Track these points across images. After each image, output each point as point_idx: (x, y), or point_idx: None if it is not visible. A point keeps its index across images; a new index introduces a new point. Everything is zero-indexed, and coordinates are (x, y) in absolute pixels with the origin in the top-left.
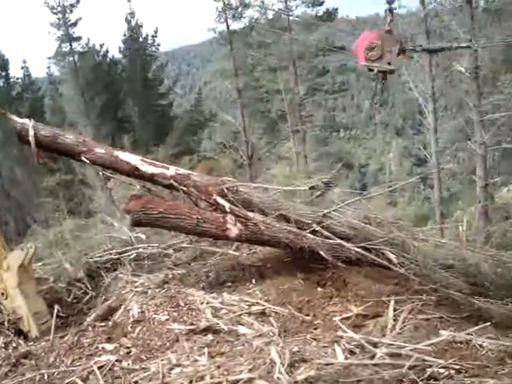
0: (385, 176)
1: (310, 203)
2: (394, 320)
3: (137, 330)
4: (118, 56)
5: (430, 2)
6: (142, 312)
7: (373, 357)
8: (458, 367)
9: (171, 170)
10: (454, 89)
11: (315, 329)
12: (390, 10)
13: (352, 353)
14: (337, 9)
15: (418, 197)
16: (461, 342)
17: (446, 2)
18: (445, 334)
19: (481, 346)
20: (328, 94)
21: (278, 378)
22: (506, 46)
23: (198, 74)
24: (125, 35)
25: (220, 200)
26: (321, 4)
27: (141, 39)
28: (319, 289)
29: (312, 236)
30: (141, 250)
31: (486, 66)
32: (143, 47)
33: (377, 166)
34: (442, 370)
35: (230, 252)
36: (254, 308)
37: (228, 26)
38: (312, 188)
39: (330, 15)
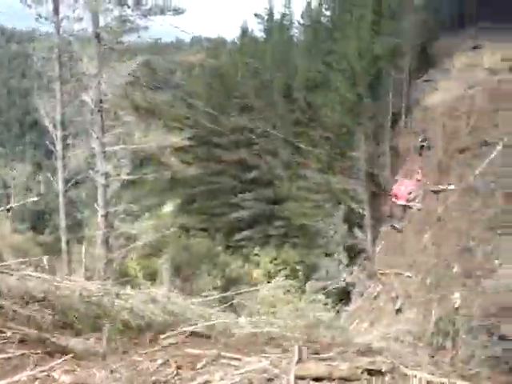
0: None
1: None
2: None
3: None
4: None
5: (64, 31)
6: None
7: None
8: None
9: None
10: (81, 118)
11: None
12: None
13: None
14: None
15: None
16: (41, 378)
17: (79, 32)
18: (24, 373)
19: (58, 379)
20: None
21: None
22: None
23: None
24: None
25: None
26: None
27: None
28: None
29: None
30: None
31: (110, 100)
32: None
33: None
34: None
35: None
36: None
37: None
38: None
39: None
